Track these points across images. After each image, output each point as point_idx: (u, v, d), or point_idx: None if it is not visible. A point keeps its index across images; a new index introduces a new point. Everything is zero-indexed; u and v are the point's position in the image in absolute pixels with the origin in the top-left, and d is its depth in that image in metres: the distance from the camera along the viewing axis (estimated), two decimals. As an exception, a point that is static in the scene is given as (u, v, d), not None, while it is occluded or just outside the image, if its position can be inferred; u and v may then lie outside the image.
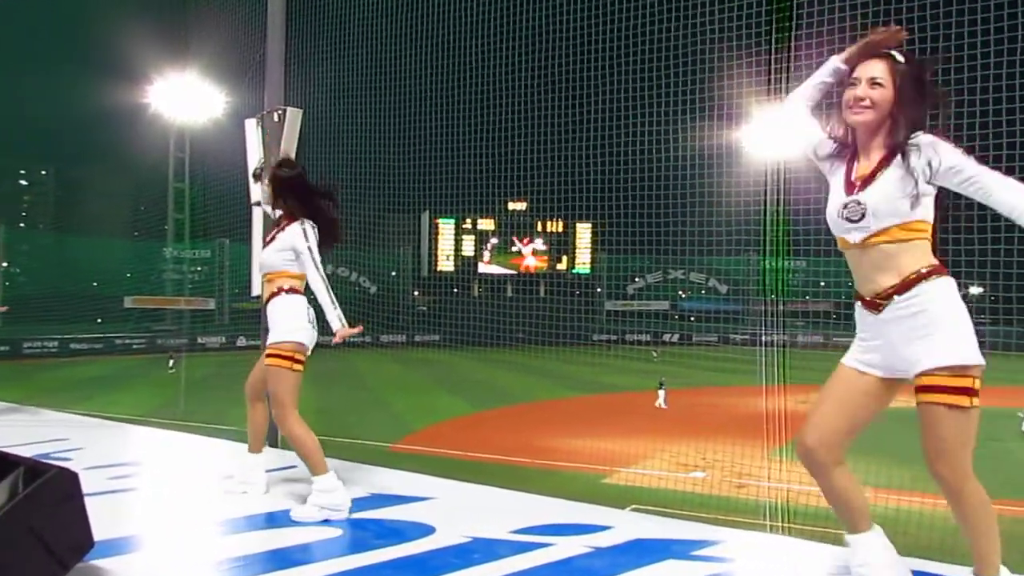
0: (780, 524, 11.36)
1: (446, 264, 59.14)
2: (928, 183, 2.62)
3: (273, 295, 4.28)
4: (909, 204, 2.61)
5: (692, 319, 59.12)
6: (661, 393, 25.78)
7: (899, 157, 2.64)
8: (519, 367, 34.70)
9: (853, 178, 2.74)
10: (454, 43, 28.19)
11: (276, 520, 3.95)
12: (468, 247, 60.02)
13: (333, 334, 4.14)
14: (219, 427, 15.90)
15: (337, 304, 4.15)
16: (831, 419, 2.74)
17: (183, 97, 39.47)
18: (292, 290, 4.26)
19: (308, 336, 4.22)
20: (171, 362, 34.87)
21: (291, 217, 4.30)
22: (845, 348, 2.88)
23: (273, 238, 4.36)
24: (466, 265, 58.59)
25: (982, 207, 2.66)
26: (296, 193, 4.34)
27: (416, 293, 57.34)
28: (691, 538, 3.61)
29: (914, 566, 3.08)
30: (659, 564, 3.22)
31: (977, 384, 2.54)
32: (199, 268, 49.47)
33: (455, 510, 4.13)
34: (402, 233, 51.70)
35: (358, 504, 4.10)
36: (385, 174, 30.54)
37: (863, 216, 2.66)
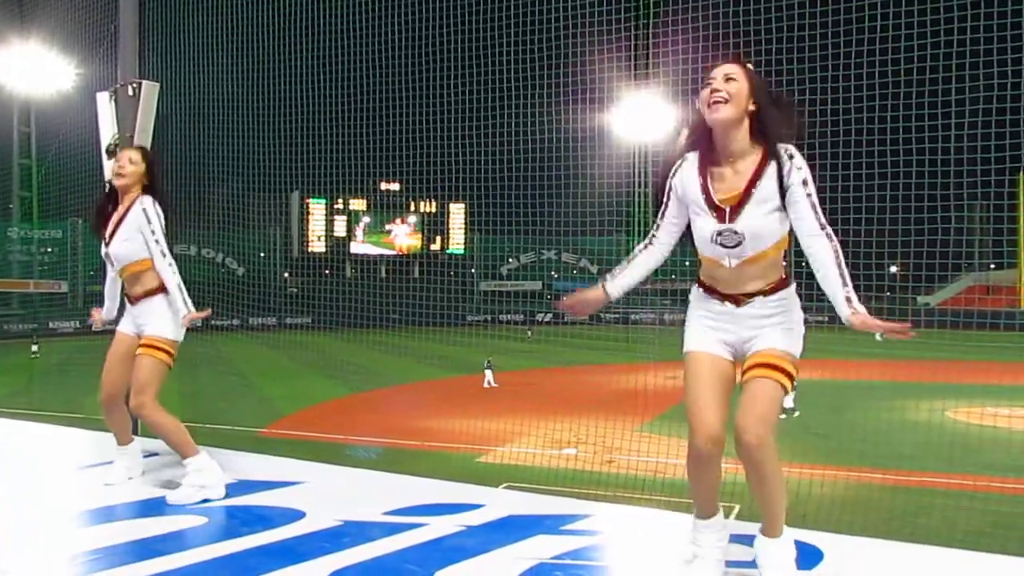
0: (647, 496, 11.76)
1: (317, 245, 57.99)
2: (782, 196, 2.70)
3: (146, 295, 4.08)
4: (779, 223, 2.72)
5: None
6: (488, 373, 25.87)
7: (767, 172, 2.69)
8: (393, 348, 34.47)
9: (718, 199, 2.74)
10: (324, 20, 27.53)
11: (135, 510, 3.79)
12: (340, 228, 59.04)
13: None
14: (73, 415, 15.11)
15: (184, 288, 4.02)
16: (716, 413, 2.77)
17: (27, 68, 36.93)
18: (163, 290, 4.07)
19: (182, 334, 4.13)
20: (35, 347, 33.63)
21: (135, 197, 4.08)
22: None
23: (117, 226, 4.08)
24: (338, 246, 57.63)
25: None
26: (155, 174, 4.18)
27: (286, 275, 55.98)
28: (561, 513, 3.68)
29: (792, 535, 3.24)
30: (530, 540, 3.26)
31: (795, 376, 2.76)
32: (49, 249, 46.55)
33: (326, 494, 4.06)
34: (271, 213, 50.29)
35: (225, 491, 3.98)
36: (252, 153, 29.57)
37: (739, 244, 2.72)
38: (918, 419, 18.05)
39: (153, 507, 3.82)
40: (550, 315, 56.55)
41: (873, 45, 13.80)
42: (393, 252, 59.43)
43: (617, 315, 50.56)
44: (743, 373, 2.79)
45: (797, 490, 10.79)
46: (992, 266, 55.64)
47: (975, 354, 24.27)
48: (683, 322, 2.98)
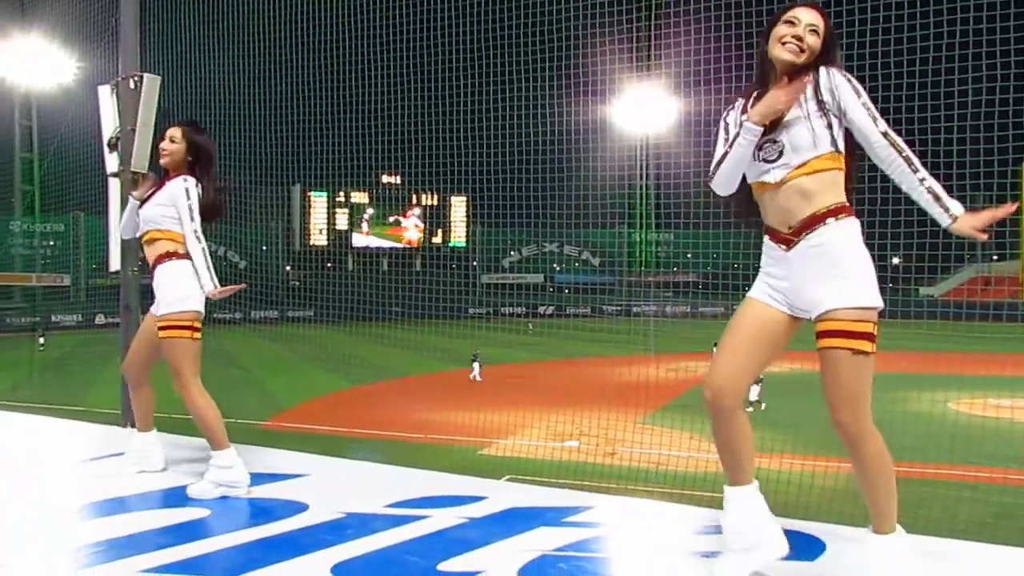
0: (649, 489, 11.77)
1: (319, 238, 57.97)
2: (835, 114, 2.66)
3: (158, 261, 4.06)
4: (823, 134, 2.64)
5: (566, 291, 60.22)
6: (476, 366, 25.83)
7: (808, 91, 2.66)
8: (395, 341, 34.49)
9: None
10: (325, 12, 27.44)
11: (136, 503, 3.80)
12: (342, 221, 59.01)
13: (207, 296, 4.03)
14: (76, 408, 15.15)
15: (211, 266, 4.02)
16: (740, 360, 2.70)
17: (29, 62, 36.89)
18: (177, 255, 4.05)
19: (202, 302, 4.07)
20: (41, 340, 33.79)
21: (181, 174, 4.10)
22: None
23: (152, 194, 4.14)
24: (340, 239, 57.59)
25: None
26: (207, 160, 4.17)
27: (288, 268, 55.97)
28: (564, 505, 3.69)
29: (794, 526, 3.25)
30: (532, 531, 3.27)
31: (876, 329, 2.56)
32: (51, 243, 46.55)
33: (329, 486, 4.08)
34: (272, 206, 50.23)
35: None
36: (253, 146, 29.52)
37: (781, 154, 2.65)
38: (920, 410, 18.04)
39: (155, 500, 3.83)
40: (552, 307, 56.58)
41: (876, 36, 13.76)
42: (398, 245, 59.39)
43: (619, 308, 50.55)
44: (816, 337, 2.62)
45: (800, 481, 10.79)
46: (994, 257, 55.55)
47: (977, 345, 24.20)
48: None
